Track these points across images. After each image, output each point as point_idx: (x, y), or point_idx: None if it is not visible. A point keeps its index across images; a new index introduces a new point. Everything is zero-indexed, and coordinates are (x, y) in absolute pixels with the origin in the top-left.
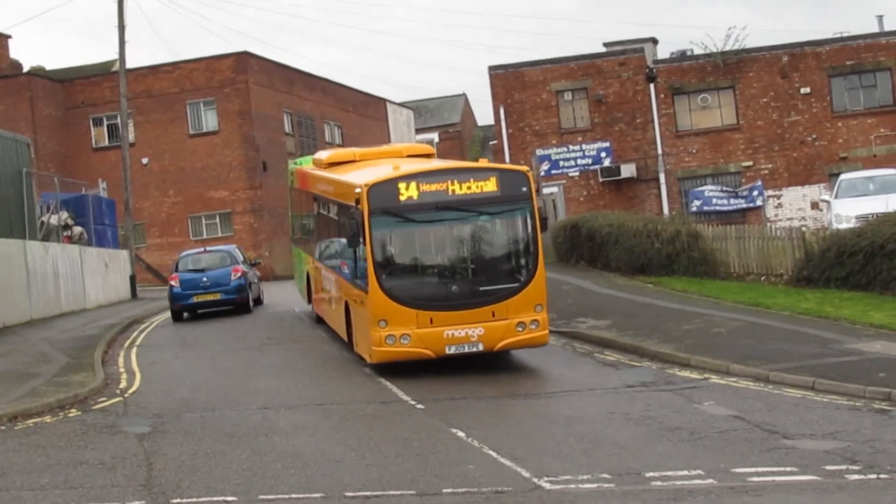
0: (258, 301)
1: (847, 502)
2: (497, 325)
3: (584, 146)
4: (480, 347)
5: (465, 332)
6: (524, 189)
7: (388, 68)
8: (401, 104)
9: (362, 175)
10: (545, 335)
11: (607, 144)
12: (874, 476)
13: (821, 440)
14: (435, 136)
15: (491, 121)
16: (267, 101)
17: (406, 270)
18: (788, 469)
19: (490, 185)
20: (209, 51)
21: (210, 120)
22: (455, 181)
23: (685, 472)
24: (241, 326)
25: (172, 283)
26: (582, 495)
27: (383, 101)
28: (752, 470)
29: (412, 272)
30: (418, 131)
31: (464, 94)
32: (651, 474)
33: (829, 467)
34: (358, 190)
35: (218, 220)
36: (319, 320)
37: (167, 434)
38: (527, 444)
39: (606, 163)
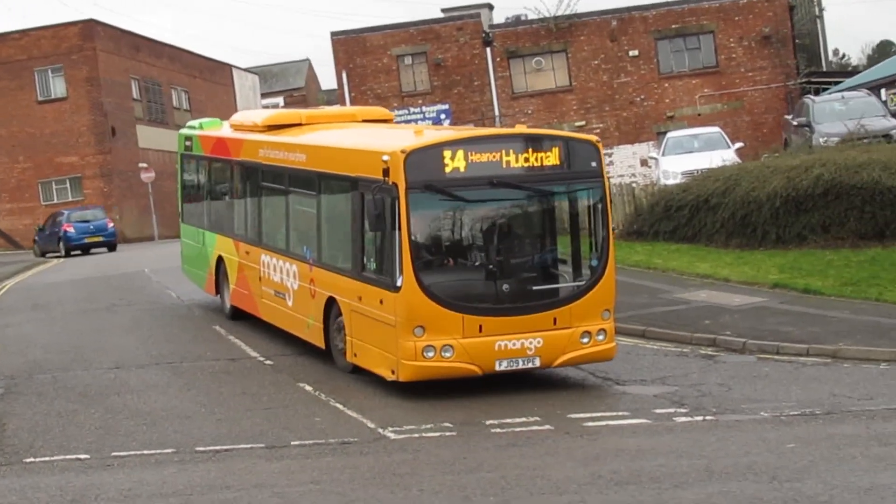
0: None
1: (675, 443)
2: (559, 335)
3: (424, 108)
4: (537, 363)
5: (521, 344)
6: (594, 164)
7: (233, 34)
8: (246, 69)
9: (379, 139)
10: (612, 349)
11: (446, 106)
12: (700, 418)
13: (651, 385)
14: (280, 101)
15: (335, 85)
16: (114, 67)
17: (450, 264)
18: (621, 413)
19: (552, 158)
20: (57, 18)
21: (58, 87)
22: (511, 151)
23: (524, 419)
24: (92, 288)
25: (68, 229)
26: (425, 443)
27: (229, 66)
28: (587, 415)
29: (458, 266)
30: (264, 96)
31: (307, 59)
32: (491, 422)
33: (658, 411)
34: (386, 158)
35: (68, 184)
36: (238, 315)
37: (20, 395)
38: (372, 397)
39: (446, 124)
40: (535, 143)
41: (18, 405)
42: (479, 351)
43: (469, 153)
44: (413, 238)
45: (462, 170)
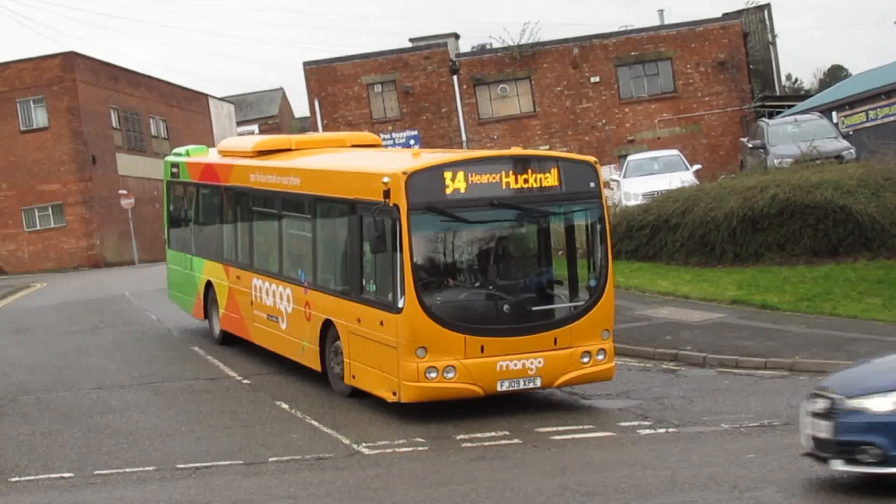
0: None
1: (640, 455)
2: (559, 356)
3: (394, 135)
4: (538, 383)
5: (523, 364)
6: (592, 185)
7: (210, 64)
8: (222, 98)
9: (376, 162)
10: (612, 368)
11: (415, 133)
12: (663, 430)
13: (616, 399)
14: (255, 129)
15: (307, 112)
16: (94, 97)
17: (451, 285)
18: (587, 427)
19: (551, 179)
20: (36, 51)
21: (40, 117)
22: (511, 172)
23: (493, 434)
24: (74, 312)
25: None
26: (398, 458)
27: (205, 95)
28: (554, 429)
29: (459, 287)
30: (239, 124)
31: (281, 88)
32: (462, 436)
33: (623, 424)
34: (387, 179)
35: (51, 211)
36: (228, 340)
37: (5, 416)
38: (346, 413)
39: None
40: (533, 164)
41: (3, 426)
42: (480, 372)
43: (469, 174)
44: (414, 259)
45: (462, 191)
